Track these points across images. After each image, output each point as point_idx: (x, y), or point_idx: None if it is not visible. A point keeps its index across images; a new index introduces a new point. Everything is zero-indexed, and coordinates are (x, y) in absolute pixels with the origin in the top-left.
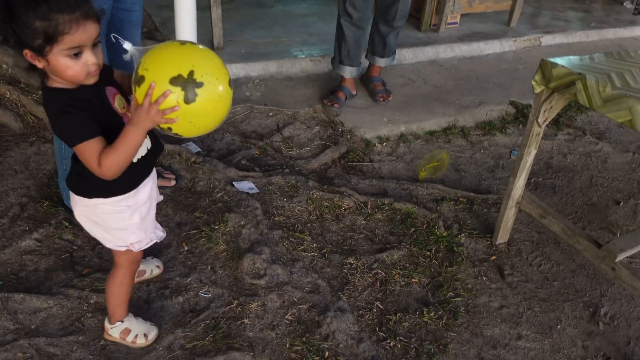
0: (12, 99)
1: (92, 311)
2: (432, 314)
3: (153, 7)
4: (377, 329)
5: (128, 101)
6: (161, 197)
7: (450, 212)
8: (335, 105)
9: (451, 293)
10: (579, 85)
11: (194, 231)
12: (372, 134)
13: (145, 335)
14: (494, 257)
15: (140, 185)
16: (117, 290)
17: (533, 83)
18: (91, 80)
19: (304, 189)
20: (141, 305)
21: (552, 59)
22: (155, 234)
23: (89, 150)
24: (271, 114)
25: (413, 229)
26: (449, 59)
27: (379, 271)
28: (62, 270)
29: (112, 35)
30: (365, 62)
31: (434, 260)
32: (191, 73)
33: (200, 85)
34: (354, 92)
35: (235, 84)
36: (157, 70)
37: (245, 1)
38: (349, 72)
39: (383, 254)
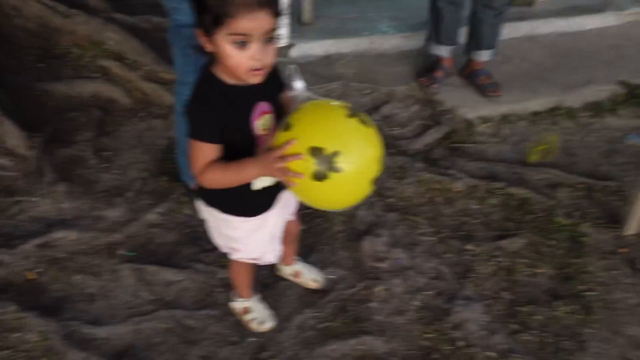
0: (121, 74)
1: (221, 286)
2: (564, 308)
3: None
4: (509, 320)
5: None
6: (292, 217)
7: (568, 199)
8: (434, 85)
9: (582, 286)
10: None
11: (307, 210)
12: (473, 114)
13: (260, 323)
14: (624, 250)
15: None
16: (234, 276)
17: None
18: (253, 79)
19: (412, 171)
20: (268, 282)
21: None
22: (263, 254)
23: (201, 152)
24: (367, 91)
25: (531, 216)
26: (547, 34)
27: (502, 259)
28: (187, 245)
29: (292, 65)
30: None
31: (558, 250)
32: (335, 154)
33: (336, 169)
34: (451, 71)
35: (328, 60)
36: (306, 129)
37: None
38: (447, 52)
39: (503, 242)
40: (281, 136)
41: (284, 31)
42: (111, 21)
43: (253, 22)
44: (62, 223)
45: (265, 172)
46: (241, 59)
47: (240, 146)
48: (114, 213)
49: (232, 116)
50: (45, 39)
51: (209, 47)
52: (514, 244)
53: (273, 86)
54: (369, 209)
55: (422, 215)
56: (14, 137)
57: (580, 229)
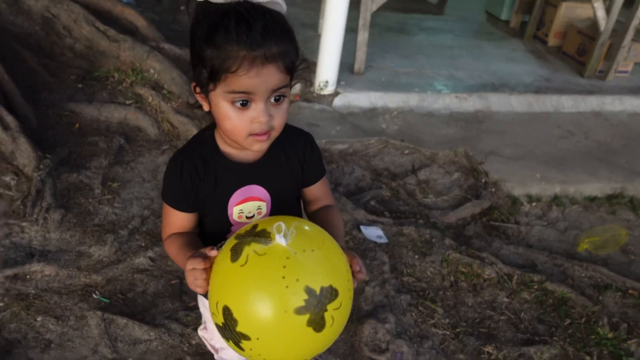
0: (153, 104)
1: (192, 354)
2: None
3: (294, 26)
4: None
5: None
6: None
7: (616, 307)
8: None
9: None
10: None
11: None
12: (520, 190)
13: None
14: None
15: None
16: None
17: None
18: (256, 146)
19: (438, 247)
20: None
21: None
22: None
23: (166, 215)
24: (407, 151)
25: (568, 321)
26: (617, 112)
27: None
28: (170, 298)
29: None
30: None
31: None
32: (226, 310)
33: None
34: None
35: (372, 113)
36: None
37: (387, 26)
38: None
39: (530, 349)
40: (223, 252)
41: (331, 79)
42: (158, 50)
43: (257, 78)
44: (43, 255)
45: (185, 275)
46: (240, 122)
47: (211, 227)
48: (100, 251)
49: (207, 190)
50: (90, 61)
51: (205, 106)
52: (543, 353)
53: (288, 171)
54: (380, 286)
55: (440, 301)
56: (25, 155)
57: (625, 345)
